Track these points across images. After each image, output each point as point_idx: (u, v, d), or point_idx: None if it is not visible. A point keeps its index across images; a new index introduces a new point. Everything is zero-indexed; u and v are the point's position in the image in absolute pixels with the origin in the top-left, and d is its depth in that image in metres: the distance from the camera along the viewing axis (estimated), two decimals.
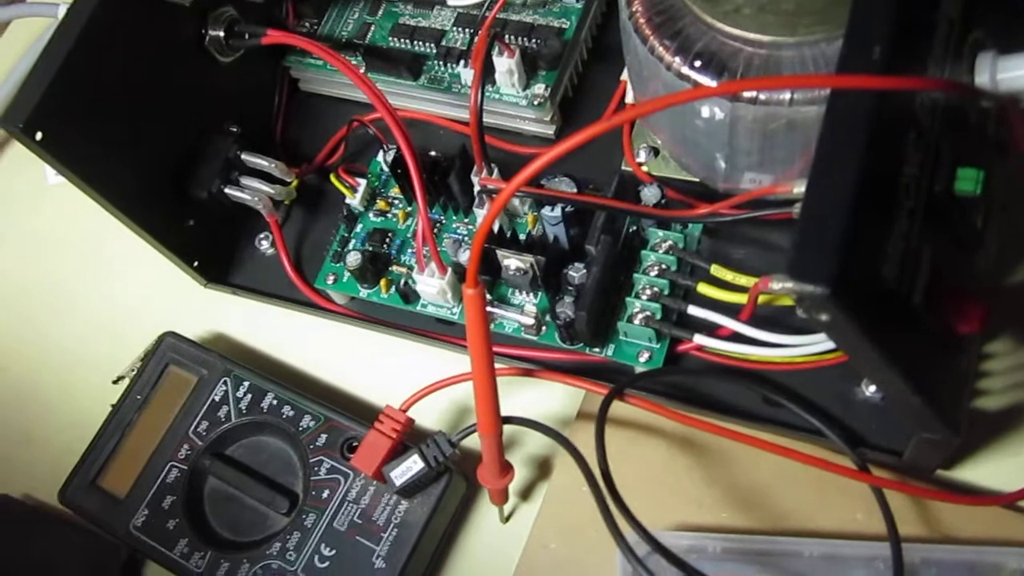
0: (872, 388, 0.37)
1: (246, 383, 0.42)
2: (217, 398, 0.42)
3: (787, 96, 0.34)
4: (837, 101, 0.26)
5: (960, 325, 0.31)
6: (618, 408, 0.39)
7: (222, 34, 0.43)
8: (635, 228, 0.40)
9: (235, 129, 0.44)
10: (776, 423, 0.37)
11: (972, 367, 0.35)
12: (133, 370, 0.44)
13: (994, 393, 0.37)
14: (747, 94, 0.34)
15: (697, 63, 0.35)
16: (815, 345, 0.36)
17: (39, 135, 0.36)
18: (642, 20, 0.36)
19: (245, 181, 0.44)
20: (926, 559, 0.33)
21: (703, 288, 0.38)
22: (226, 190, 0.44)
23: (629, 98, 0.43)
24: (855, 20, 0.27)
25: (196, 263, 0.45)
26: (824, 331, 0.26)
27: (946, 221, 0.30)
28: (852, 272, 0.24)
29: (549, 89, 0.43)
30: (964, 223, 0.31)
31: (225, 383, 0.42)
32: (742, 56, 0.35)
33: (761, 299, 0.37)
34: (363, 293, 0.43)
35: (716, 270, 0.38)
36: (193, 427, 0.42)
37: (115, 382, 0.45)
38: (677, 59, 0.35)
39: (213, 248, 0.46)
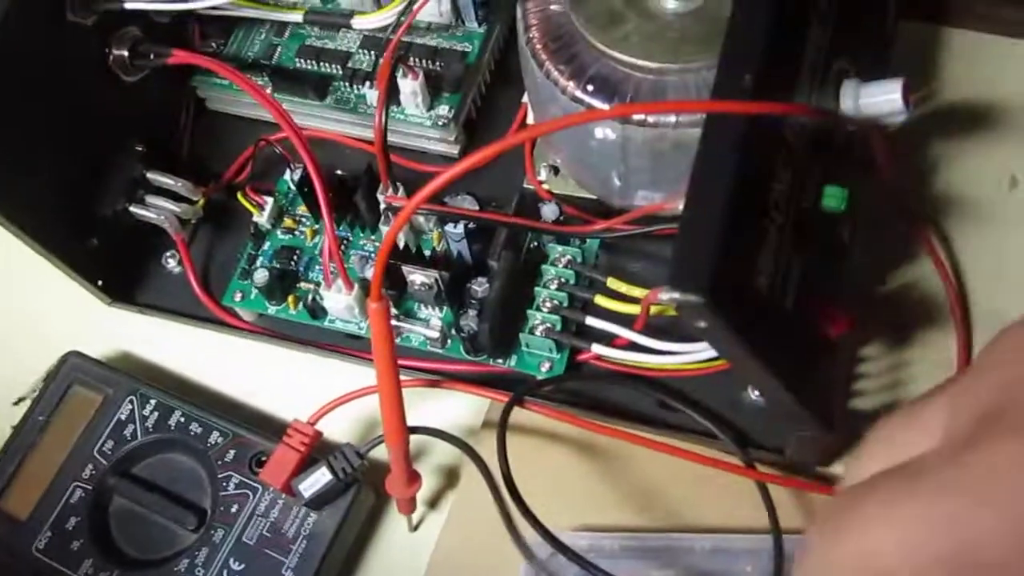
0: (757, 392, 0.39)
1: (153, 401, 0.42)
2: (123, 417, 0.42)
3: (673, 119, 0.36)
4: (711, 124, 0.28)
5: (830, 330, 0.33)
6: (522, 417, 0.40)
7: (126, 54, 0.43)
8: (536, 244, 0.42)
9: (140, 148, 0.44)
10: (670, 427, 0.39)
11: (845, 369, 0.38)
12: (35, 391, 0.43)
13: (869, 394, 0.40)
14: (637, 117, 0.36)
15: (590, 87, 0.37)
16: (703, 352, 0.38)
17: None
18: (539, 46, 0.38)
19: (151, 200, 0.44)
20: None
21: (600, 300, 0.39)
22: (131, 209, 0.44)
23: (530, 120, 0.45)
24: (728, 50, 0.29)
25: (100, 282, 0.45)
26: (703, 337, 0.28)
27: (815, 234, 0.32)
28: (725, 282, 0.26)
29: (453, 111, 0.45)
30: (832, 236, 0.34)
31: (131, 401, 0.42)
32: (631, 81, 0.37)
33: (654, 310, 0.39)
34: (271, 309, 0.43)
35: (612, 283, 0.40)
36: (98, 447, 0.41)
37: (16, 403, 0.44)
38: (571, 83, 0.37)
39: (118, 267, 0.46)
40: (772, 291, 0.30)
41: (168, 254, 0.46)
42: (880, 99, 0.34)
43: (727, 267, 0.27)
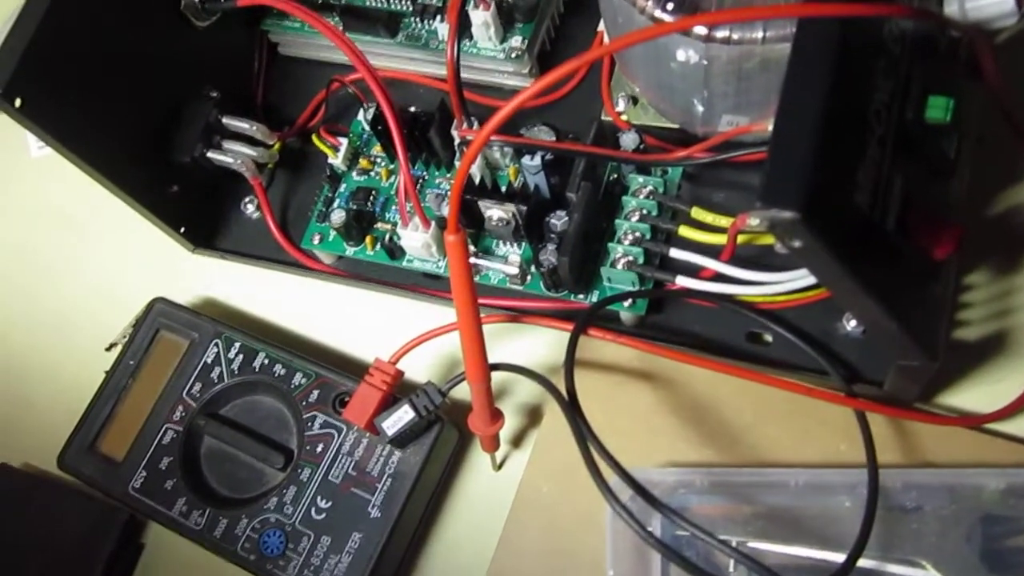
0: (853, 322, 0.37)
1: (237, 344, 0.42)
2: (209, 360, 0.42)
3: (760, 34, 0.34)
4: (804, 31, 0.27)
5: (935, 251, 0.31)
6: (608, 353, 0.39)
7: None
8: (616, 176, 0.41)
9: (215, 94, 0.44)
10: (758, 360, 0.38)
11: (949, 295, 0.36)
12: (125, 336, 0.44)
13: (974, 323, 0.38)
14: (720, 34, 0.34)
15: (669, 5, 0.35)
16: (796, 282, 0.36)
17: (18, 101, 0.36)
18: None
19: (227, 145, 0.44)
20: (907, 483, 0.34)
21: (684, 231, 0.38)
22: (209, 154, 0.44)
23: None
24: None
25: (183, 229, 0.45)
26: (799, 259, 0.27)
27: (918, 149, 0.30)
28: (822, 197, 0.25)
29: (526, 42, 0.43)
30: (936, 151, 0.31)
31: (216, 345, 0.43)
32: None
33: (742, 239, 0.37)
34: (349, 251, 0.43)
35: (697, 213, 0.38)
36: (187, 389, 0.42)
37: (108, 349, 0.45)
38: (650, 3, 0.35)
39: (199, 213, 0.46)
40: (872, 208, 0.28)
41: (247, 199, 0.46)
42: (988, 1, 0.31)
43: (823, 181, 0.25)
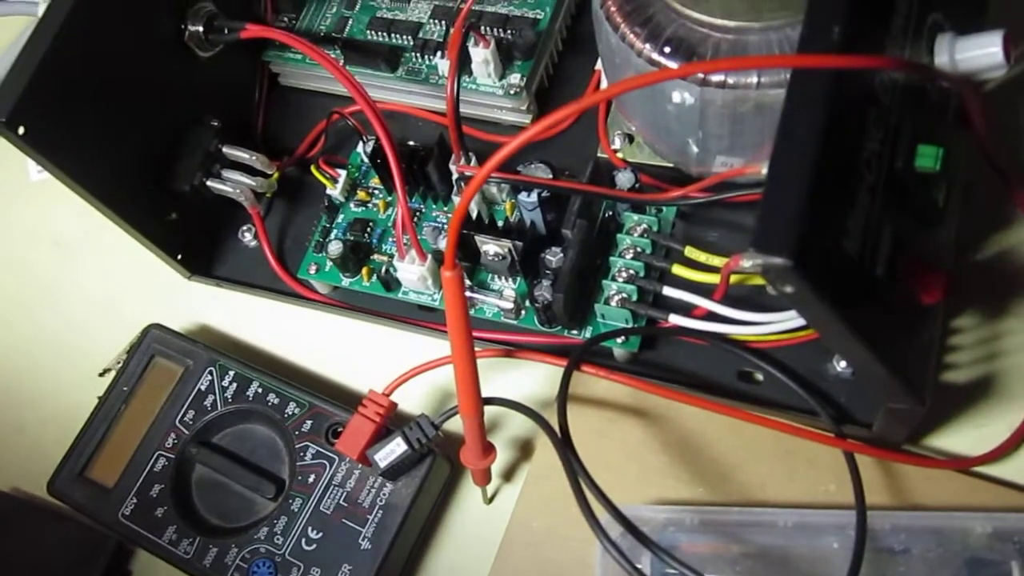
0: (843, 364, 0.38)
1: (231, 372, 0.43)
2: (203, 388, 0.43)
3: (754, 79, 0.35)
4: (797, 80, 0.27)
5: (923, 296, 0.32)
6: (599, 389, 0.40)
7: (201, 29, 0.43)
8: (611, 213, 0.41)
9: (216, 123, 0.45)
10: (748, 399, 0.38)
11: (937, 339, 0.36)
12: (119, 362, 0.44)
13: (961, 366, 0.38)
14: (716, 78, 0.35)
15: (667, 49, 0.36)
16: (787, 322, 0.36)
17: (21, 129, 0.36)
18: (613, 8, 0.37)
19: (227, 174, 0.45)
20: (895, 525, 0.34)
21: (678, 270, 0.38)
22: (208, 183, 0.44)
23: (603, 87, 0.44)
24: (815, 1, 0.28)
25: (180, 256, 0.46)
26: (790, 303, 0.27)
27: (907, 197, 0.31)
28: (814, 244, 0.25)
29: (525, 79, 0.44)
30: (925, 199, 0.32)
31: (210, 373, 0.43)
32: (710, 42, 0.36)
33: (734, 279, 0.38)
34: (345, 282, 0.43)
35: (690, 252, 0.39)
36: (179, 417, 0.42)
37: (101, 374, 0.45)
38: (647, 46, 0.36)
39: (196, 241, 0.46)
40: (862, 255, 0.28)
41: (244, 228, 0.47)
42: (977, 53, 0.32)
43: (815, 228, 0.25)
